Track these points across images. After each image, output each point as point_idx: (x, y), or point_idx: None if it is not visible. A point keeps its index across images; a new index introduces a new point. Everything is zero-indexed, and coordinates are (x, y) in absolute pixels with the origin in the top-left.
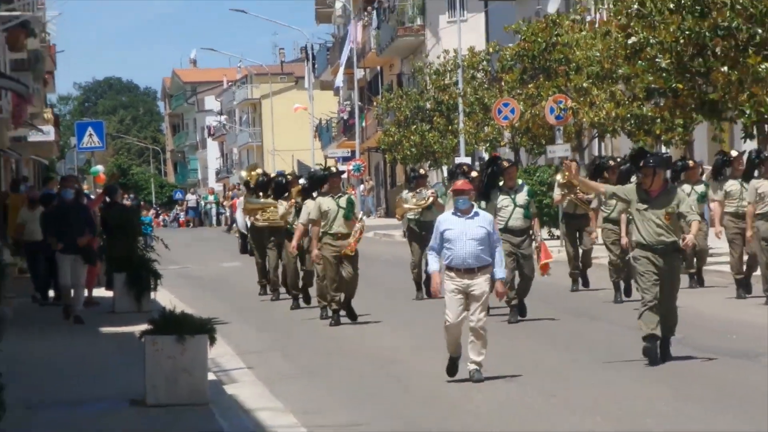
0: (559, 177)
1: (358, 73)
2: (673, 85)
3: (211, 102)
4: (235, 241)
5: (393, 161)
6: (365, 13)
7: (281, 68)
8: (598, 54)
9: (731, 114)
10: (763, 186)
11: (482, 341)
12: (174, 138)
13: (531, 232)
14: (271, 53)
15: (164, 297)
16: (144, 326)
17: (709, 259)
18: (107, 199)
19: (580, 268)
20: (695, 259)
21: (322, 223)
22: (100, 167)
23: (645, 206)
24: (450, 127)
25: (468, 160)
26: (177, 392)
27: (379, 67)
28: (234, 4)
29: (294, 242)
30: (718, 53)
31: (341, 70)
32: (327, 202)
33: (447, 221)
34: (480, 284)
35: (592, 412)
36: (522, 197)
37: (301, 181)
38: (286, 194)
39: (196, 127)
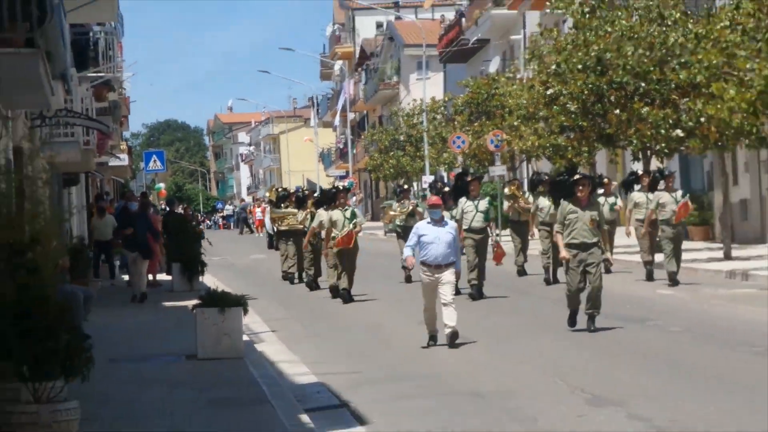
0: (506, 190)
1: (351, 116)
2: (580, 123)
3: (243, 136)
4: (257, 240)
5: (376, 179)
6: (356, 73)
7: (294, 112)
8: (525, 101)
9: (622, 143)
10: (664, 197)
11: (451, 309)
12: (216, 162)
13: (489, 231)
14: (286, 101)
15: (209, 280)
16: (195, 301)
17: (620, 251)
18: (167, 209)
19: (524, 261)
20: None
21: (333, 230)
22: (161, 185)
23: (576, 214)
24: (418, 153)
25: (432, 178)
26: (219, 349)
27: (365, 111)
28: (260, 66)
29: (306, 240)
30: (613, 100)
31: (338, 113)
32: (336, 214)
33: (423, 228)
34: (447, 275)
35: (535, 366)
36: (483, 204)
37: (315, 194)
38: (304, 204)
39: (232, 154)
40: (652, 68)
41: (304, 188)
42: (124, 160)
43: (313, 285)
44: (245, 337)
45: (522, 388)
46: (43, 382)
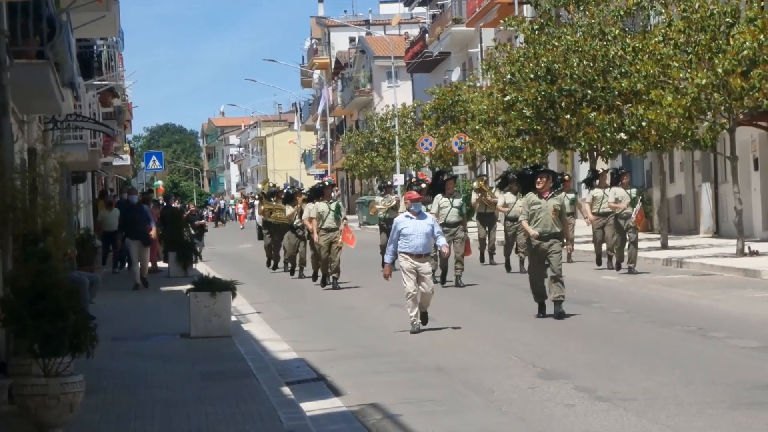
0: (475, 185)
1: (330, 120)
2: (534, 127)
3: (233, 139)
4: (244, 231)
5: (352, 177)
6: (333, 81)
7: (279, 117)
8: (485, 107)
9: (572, 145)
10: (619, 193)
11: (429, 299)
12: (209, 162)
13: (462, 225)
14: (273, 107)
15: (202, 267)
16: (188, 286)
17: (580, 242)
18: (164, 203)
19: (489, 248)
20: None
21: (318, 221)
22: (160, 182)
23: (539, 204)
24: (390, 154)
25: (402, 176)
26: (210, 329)
27: (343, 116)
28: (248, 75)
29: (314, 235)
30: (564, 106)
31: (319, 118)
32: (322, 207)
33: (403, 222)
34: (425, 267)
35: (492, 344)
36: (457, 201)
37: (302, 191)
38: (293, 200)
39: (223, 155)
40: (596, 77)
41: (293, 185)
42: (126, 160)
43: (295, 273)
44: (233, 318)
45: (481, 363)
46: (53, 358)
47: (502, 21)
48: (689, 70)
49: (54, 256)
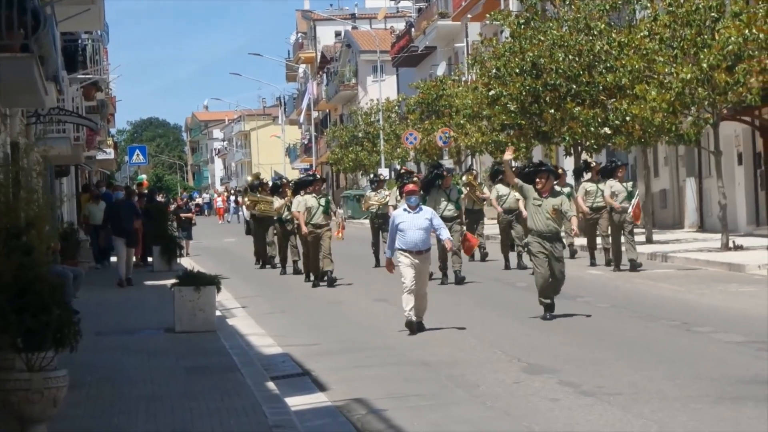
0: (464, 179)
1: (314, 114)
2: (519, 121)
3: (217, 133)
4: (229, 225)
5: (337, 171)
6: (318, 76)
7: (263, 111)
8: (470, 102)
9: (556, 140)
10: (616, 186)
11: (424, 301)
12: (193, 156)
13: (459, 219)
14: (257, 101)
15: (186, 261)
16: (173, 280)
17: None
18: (150, 198)
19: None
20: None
21: (307, 216)
22: (143, 176)
23: (539, 202)
24: (374, 148)
25: (387, 171)
26: (195, 323)
27: (327, 110)
28: (233, 69)
29: (303, 227)
30: (548, 101)
31: (303, 112)
32: (311, 201)
33: (400, 216)
34: (424, 262)
35: (478, 339)
36: (453, 195)
37: (290, 183)
38: (281, 192)
39: (207, 149)
40: (581, 72)
41: (280, 177)
42: (110, 153)
43: (286, 270)
44: (218, 313)
45: (466, 358)
46: (36, 352)
47: (487, 15)
48: (674, 65)
49: (37, 250)
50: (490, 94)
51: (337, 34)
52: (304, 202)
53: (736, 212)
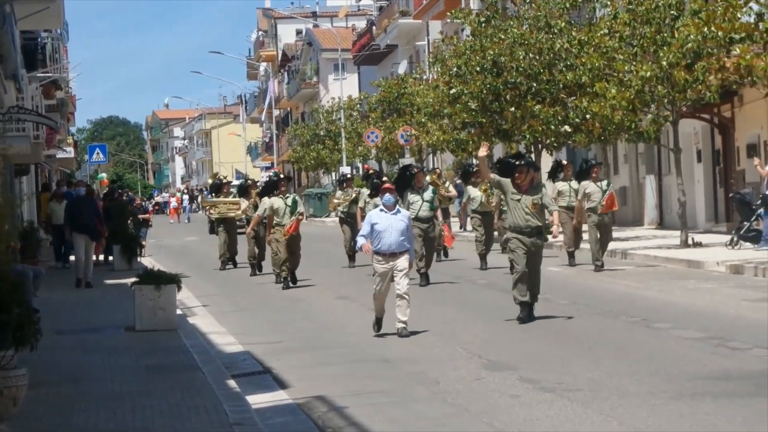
0: (428, 178)
1: (275, 112)
2: (480, 119)
3: (178, 131)
4: (190, 225)
5: (299, 169)
6: (279, 74)
7: (224, 109)
8: (431, 100)
9: (517, 138)
10: (590, 187)
11: (406, 303)
12: (153, 155)
13: (435, 220)
14: (218, 99)
15: (147, 260)
16: (133, 279)
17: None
18: (110, 196)
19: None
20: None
21: (275, 218)
22: (104, 174)
23: (518, 197)
24: (336, 147)
25: (348, 169)
26: (156, 322)
27: (289, 108)
28: (194, 67)
29: (249, 228)
30: (508, 99)
31: (264, 110)
32: (277, 202)
33: (376, 216)
34: (402, 262)
35: (439, 336)
36: (428, 195)
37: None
38: (247, 194)
39: (168, 147)
40: (541, 70)
41: (247, 178)
42: (70, 152)
43: (255, 270)
44: (179, 311)
45: (427, 355)
46: None
47: (448, 13)
48: (634, 63)
49: None
50: (451, 92)
51: (299, 32)
52: (270, 204)
53: (695, 209)
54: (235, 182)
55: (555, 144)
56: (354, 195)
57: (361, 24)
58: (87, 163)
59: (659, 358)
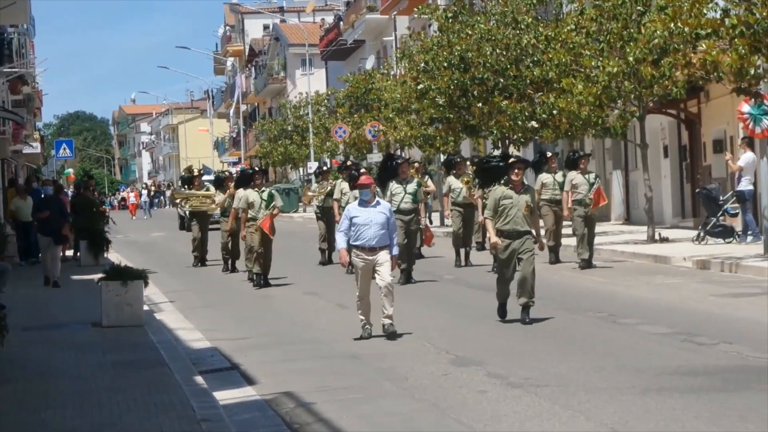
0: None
1: (243, 107)
2: (447, 115)
3: (144, 126)
4: (157, 220)
5: (266, 165)
6: (247, 69)
7: (191, 104)
8: (399, 95)
9: (484, 133)
10: (577, 178)
11: (391, 297)
12: (120, 150)
13: (417, 215)
14: (185, 95)
15: (113, 255)
16: (100, 275)
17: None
18: (76, 191)
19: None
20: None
21: (250, 211)
22: (70, 170)
23: (511, 200)
24: (304, 142)
25: (316, 164)
26: (122, 318)
27: (256, 103)
28: (160, 62)
29: (229, 223)
30: (476, 95)
31: (233, 105)
32: (253, 195)
33: (355, 210)
34: (382, 255)
35: (406, 331)
36: (411, 187)
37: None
38: (223, 187)
39: (135, 143)
40: (508, 66)
41: (223, 171)
42: (36, 148)
43: (227, 266)
44: (146, 307)
45: (395, 350)
46: None
47: (415, 9)
48: (601, 59)
49: None
50: (419, 87)
51: (266, 27)
52: (246, 197)
53: (662, 204)
54: (206, 177)
55: (522, 140)
56: (329, 187)
57: (328, 19)
58: (54, 158)
59: (626, 354)
